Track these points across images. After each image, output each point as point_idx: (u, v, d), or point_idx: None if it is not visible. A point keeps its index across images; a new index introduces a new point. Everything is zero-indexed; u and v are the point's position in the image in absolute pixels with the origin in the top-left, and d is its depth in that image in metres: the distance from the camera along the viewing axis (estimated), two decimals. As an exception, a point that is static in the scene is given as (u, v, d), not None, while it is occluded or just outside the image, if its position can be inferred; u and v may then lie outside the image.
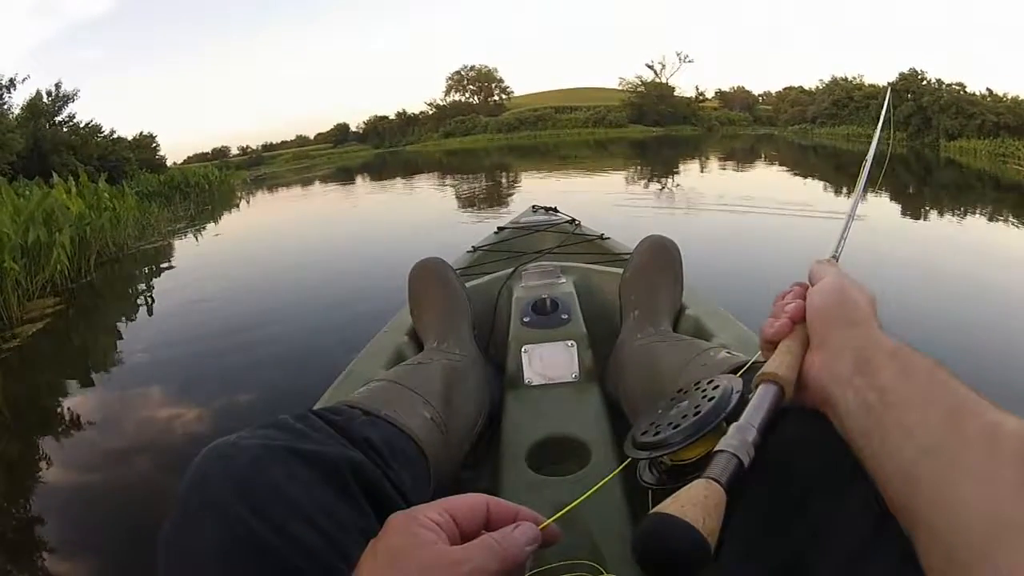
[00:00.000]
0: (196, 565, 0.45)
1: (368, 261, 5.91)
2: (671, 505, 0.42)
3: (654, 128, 42.09)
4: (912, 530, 0.37)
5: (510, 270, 1.59)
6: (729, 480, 0.45)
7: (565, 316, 1.24)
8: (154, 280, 6.41)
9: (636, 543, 0.41)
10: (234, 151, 56.60)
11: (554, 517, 0.47)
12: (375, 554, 0.41)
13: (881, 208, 7.16)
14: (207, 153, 55.31)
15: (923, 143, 22.11)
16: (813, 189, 10.24)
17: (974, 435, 0.35)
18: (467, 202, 10.94)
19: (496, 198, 11.08)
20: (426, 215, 9.61)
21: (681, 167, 16.27)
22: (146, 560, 0.47)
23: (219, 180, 20.78)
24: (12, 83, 21.05)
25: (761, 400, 0.52)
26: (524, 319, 1.25)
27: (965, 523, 0.33)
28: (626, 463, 0.59)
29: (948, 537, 0.34)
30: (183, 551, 0.47)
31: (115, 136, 26.69)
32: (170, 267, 7.14)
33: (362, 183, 19.74)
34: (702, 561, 0.39)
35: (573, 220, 2.25)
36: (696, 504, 0.41)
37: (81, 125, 25.11)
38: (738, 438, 0.48)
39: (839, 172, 13.44)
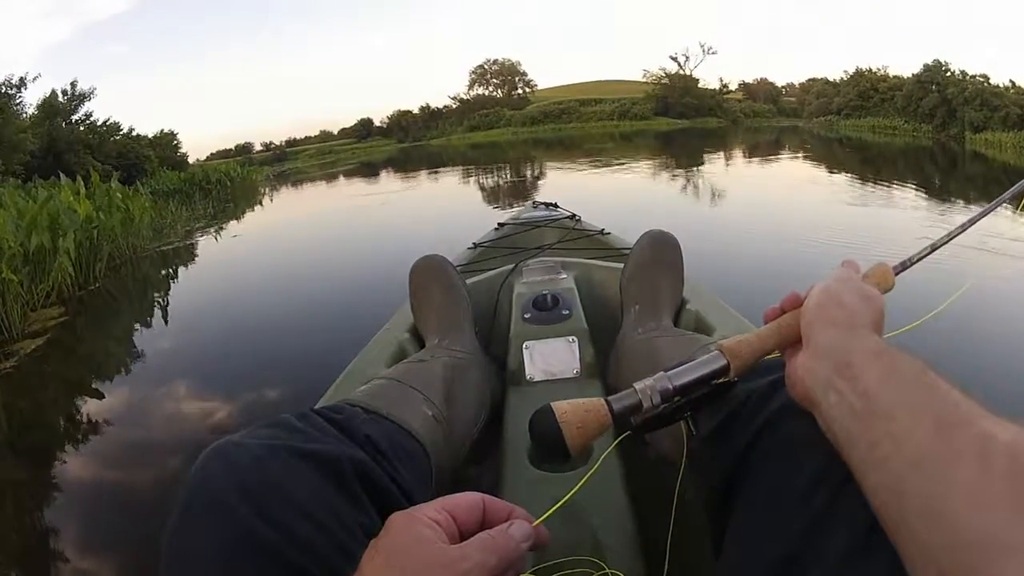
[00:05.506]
0: (198, 565, 0.46)
1: (376, 259, 5.93)
2: (561, 403, 0.55)
3: (679, 120, 42.10)
4: (901, 545, 0.36)
5: (511, 266, 1.59)
6: (620, 409, 0.55)
7: (566, 312, 1.24)
8: (168, 283, 6.36)
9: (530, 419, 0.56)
10: (257, 147, 57.45)
11: (548, 512, 0.50)
12: (377, 553, 0.42)
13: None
14: (230, 149, 56.04)
15: (948, 135, 22.01)
16: (845, 186, 9.77)
17: (965, 447, 0.34)
18: (489, 197, 11.06)
19: (520, 192, 11.03)
20: (439, 212, 9.56)
21: (706, 160, 16.10)
22: (153, 565, 0.48)
23: (241, 177, 20.71)
24: (23, 82, 21.04)
25: (700, 364, 0.56)
26: (525, 315, 1.25)
27: (956, 542, 0.32)
28: (612, 446, 0.63)
29: (938, 555, 0.32)
30: (185, 551, 0.47)
31: (134, 134, 26.95)
32: (185, 269, 7.07)
33: (385, 178, 19.60)
34: (553, 445, 0.53)
35: (573, 215, 2.26)
36: (577, 410, 0.54)
37: (99, 123, 25.32)
38: (648, 382, 0.56)
39: (866, 164, 13.54)
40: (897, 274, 0.61)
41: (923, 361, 0.41)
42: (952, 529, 0.32)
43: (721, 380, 0.57)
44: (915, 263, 0.62)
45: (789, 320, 0.54)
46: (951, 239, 0.64)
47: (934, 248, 0.63)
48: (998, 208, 0.67)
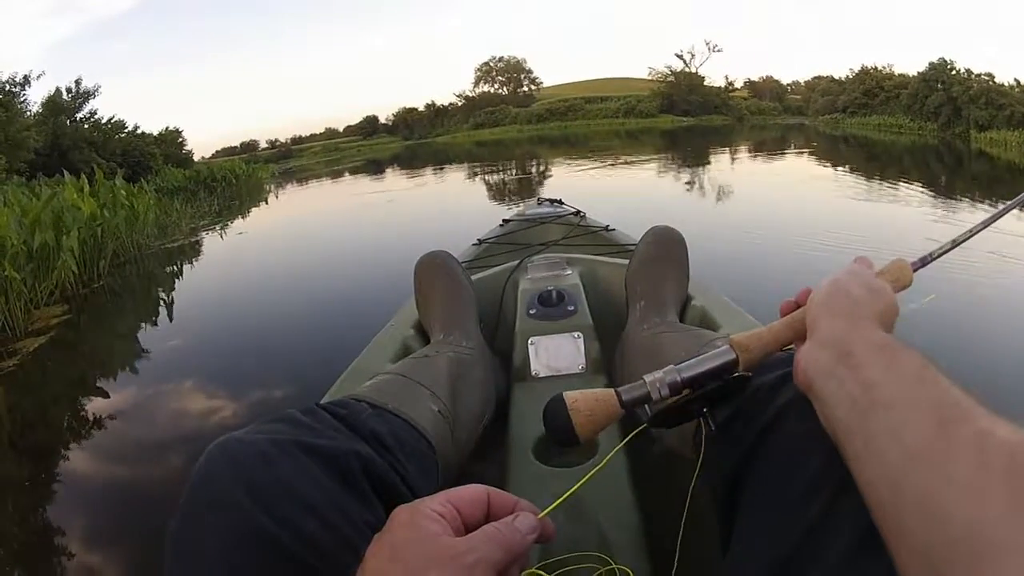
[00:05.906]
0: (203, 562, 0.46)
1: (381, 256, 5.88)
2: (572, 392, 0.56)
3: (684, 118, 42.17)
4: (895, 541, 0.35)
5: (516, 262, 1.59)
6: (629, 399, 0.56)
7: (571, 308, 1.24)
8: (172, 281, 6.30)
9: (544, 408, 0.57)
10: (263, 145, 57.71)
11: (553, 505, 0.50)
12: (381, 547, 0.41)
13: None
14: (235, 147, 56.38)
15: (953, 134, 21.88)
16: (851, 183, 9.70)
17: (963, 444, 0.33)
18: (494, 194, 11.02)
19: (525, 189, 10.98)
20: (444, 208, 9.56)
21: (712, 157, 16.04)
22: (158, 563, 0.48)
23: (246, 174, 20.71)
24: (27, 80, 20.81)
25: (709, 357, 0.56)
26: (530, 311, 1.25)
27: (950, 539, 0.31)
28: (621, 444, 0.62)
29: (932, 552, 0.32)
30: (190, 547, 0.47)
31: (139, 132, 26.83)
32: (190, 267, 7.01)
33: (390, 175, 19.49)
34: (563, 431, 0.55)
35: (578, 212, 2.28)
36: (587, 399, 0.55)
37: (103, 121, 25.22)
38: (658, 375, 0.56)
39: (871, 162, 13.42)
40: (916, 270, 0.60)
41: (924, 355, 0.41)
42: (948, 528, 0.32)
43: (733, 375, 0.56)
44: (935, 259, 0.62)
45: (801, 315, 0.54)
46: (971, 236, 0.63)
47: (955, 244, 0.63)
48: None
